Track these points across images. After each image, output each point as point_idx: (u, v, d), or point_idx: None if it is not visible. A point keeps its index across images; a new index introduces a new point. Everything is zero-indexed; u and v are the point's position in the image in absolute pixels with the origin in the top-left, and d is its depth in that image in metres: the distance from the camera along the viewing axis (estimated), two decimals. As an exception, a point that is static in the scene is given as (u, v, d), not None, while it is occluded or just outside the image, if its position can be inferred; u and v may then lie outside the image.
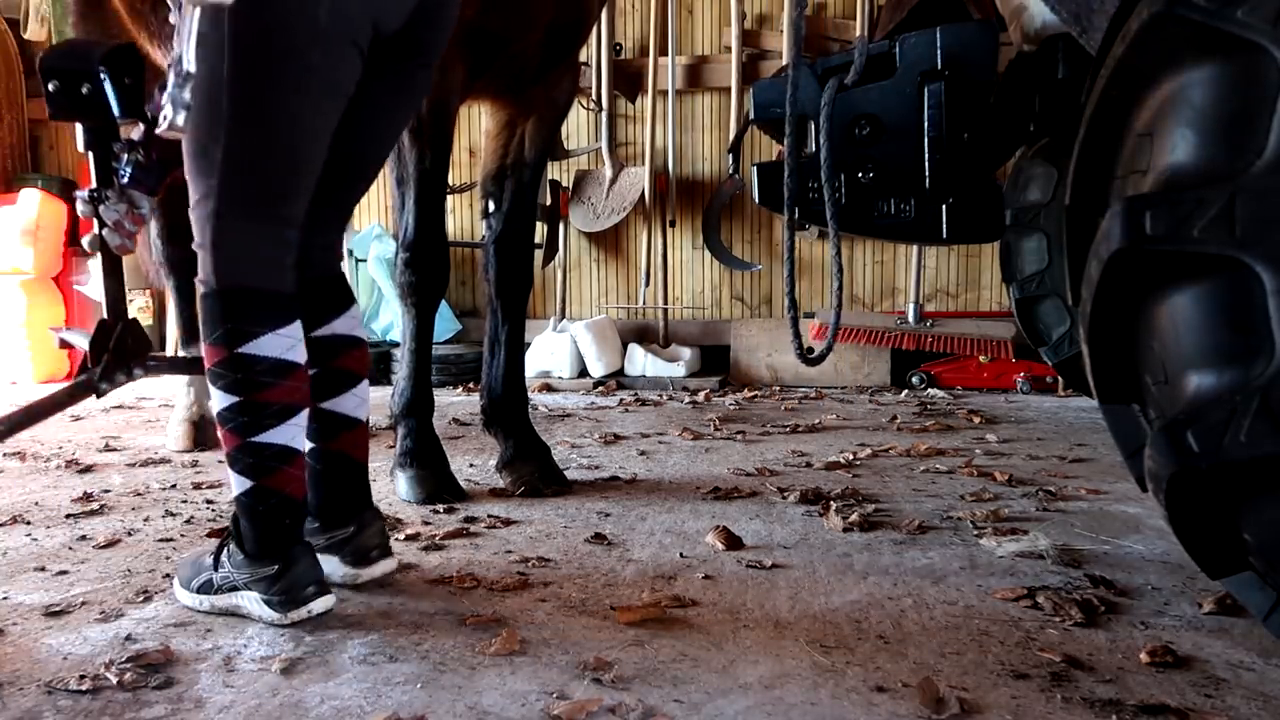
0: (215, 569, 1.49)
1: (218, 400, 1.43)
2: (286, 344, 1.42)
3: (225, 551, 1.49)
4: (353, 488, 1.63)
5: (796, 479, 2.41)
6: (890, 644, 1.35)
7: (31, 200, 4.78)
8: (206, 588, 1.50)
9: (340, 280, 1.64)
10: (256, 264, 1.43)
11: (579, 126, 4.76)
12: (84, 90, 1.65)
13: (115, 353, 1.85)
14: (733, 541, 1.84)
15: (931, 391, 4.14)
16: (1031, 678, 1.23)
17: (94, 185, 1.75)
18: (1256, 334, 1.03)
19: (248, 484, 1.43)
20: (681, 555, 1.78)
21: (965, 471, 2.49)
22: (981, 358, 4.18)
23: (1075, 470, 2.52)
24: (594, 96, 4.55)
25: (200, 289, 1.44)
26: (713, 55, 4.63)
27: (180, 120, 1.35)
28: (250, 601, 1.46)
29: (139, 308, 5.10)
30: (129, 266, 4.95)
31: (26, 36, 5.03)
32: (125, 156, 1.74)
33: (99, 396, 1.88)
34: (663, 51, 4.54)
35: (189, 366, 2.07)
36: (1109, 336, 1.21)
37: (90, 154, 1.74)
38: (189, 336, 2.87)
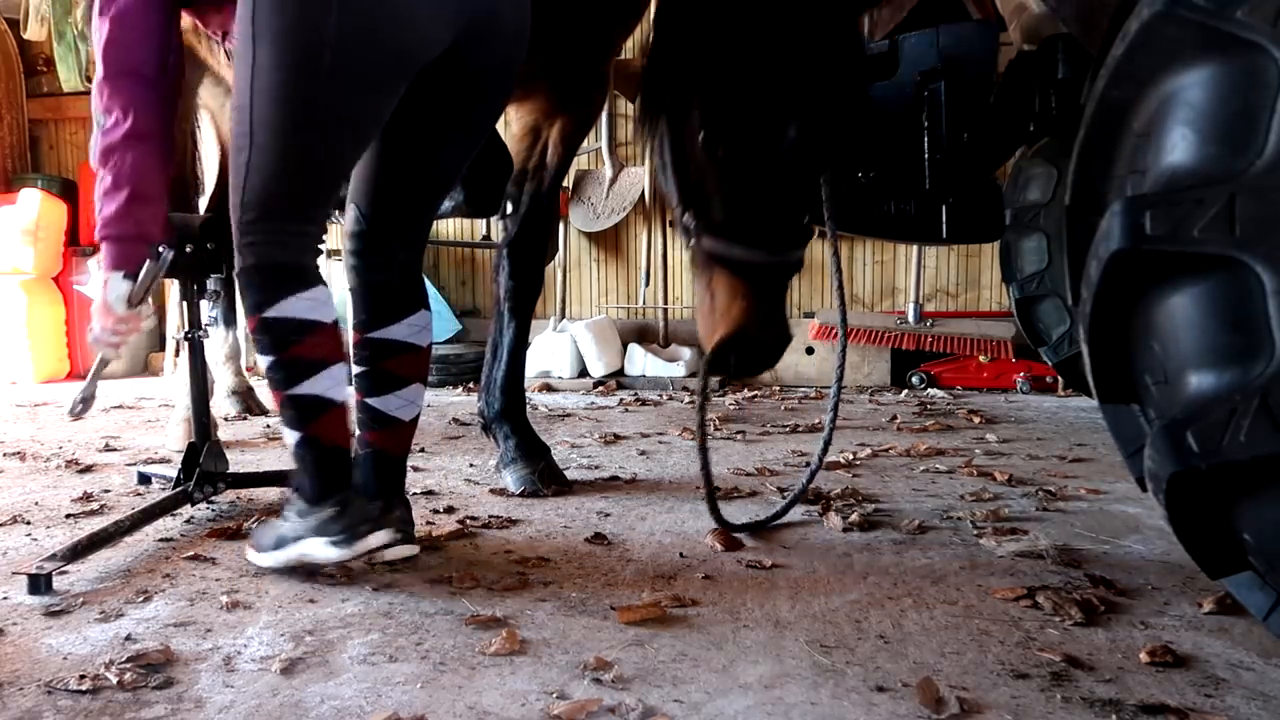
0: (285, 523, 1.61)
1: (262, 363, 1.59)
2: (308, 305, 1.56)
3: (289, 507, 1.61)
4: (385, 477, 1.72)
5: (796, 479, 2.41)
6: (890, 644, 1.35)
7: (31, 200, 4.78)
8: (280, 544, 1.62)
9: (403, 288, 1.73)
10: (277, 246, 1.57)
11: (579, 126, 4.75)
12: (187, 250, 1.95)
13: (204, 470, 2.07)
14: (733, 541, 1.84)
15: (931, 391, 4.14)
16: (1031, 677, 1.23)
17: (187, 328, 2.08)
18: (1256, 334, 1.03)
19: (296, 434, 1.58)
20: (681, 555, 1.78)
21: (965, 471, 2.49)
22: (981, 358, 4.19)
23: (1075, 470, 2.52)
24: (594, 96, 4.54)
25: (235, 270, 1.60)
26: (713, 55, 4.62)
27: (80, 410, 1.75)
28: (316, 547, 1.57)
29: (139, 308, 5.10)
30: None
31: (26, 36, 5.03)
32: (214, 302, 2.15)
33: (193, 505, 2.10)
34: (663, 51, 4.53)
35: (267, 480, 2.26)
36: (1109, 336, 1.21)
37: (185, 302, 2.06)
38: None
